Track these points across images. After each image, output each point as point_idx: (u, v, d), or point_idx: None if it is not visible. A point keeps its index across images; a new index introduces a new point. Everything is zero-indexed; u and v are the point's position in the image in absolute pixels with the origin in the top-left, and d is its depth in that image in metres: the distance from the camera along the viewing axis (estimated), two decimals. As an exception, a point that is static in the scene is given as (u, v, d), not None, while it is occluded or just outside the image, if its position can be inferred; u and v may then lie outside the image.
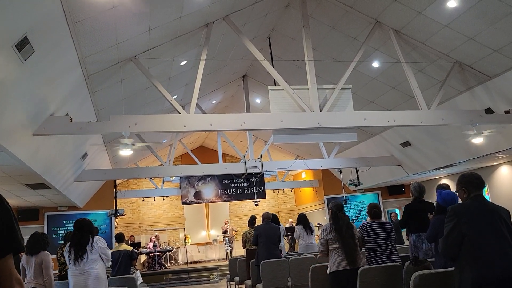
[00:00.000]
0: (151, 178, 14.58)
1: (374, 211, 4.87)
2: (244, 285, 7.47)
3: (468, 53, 7.14)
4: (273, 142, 9.39)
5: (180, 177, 14.50)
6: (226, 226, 15.99)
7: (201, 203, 15.87)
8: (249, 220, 8.06)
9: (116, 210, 13.34)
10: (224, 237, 15.58)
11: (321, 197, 15.75)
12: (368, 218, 5.12)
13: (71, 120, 6.12)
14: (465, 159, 9.72)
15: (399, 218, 11.65)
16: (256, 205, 15.23)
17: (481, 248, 2.77)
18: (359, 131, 9.28)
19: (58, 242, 11.84)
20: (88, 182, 11.22)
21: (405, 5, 6.79)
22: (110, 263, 5.10)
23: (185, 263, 14.66)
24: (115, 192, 13.73)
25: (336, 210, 4.65)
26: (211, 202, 15.80)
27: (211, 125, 6.64)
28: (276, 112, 6.78)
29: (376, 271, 4.27)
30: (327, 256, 4.58)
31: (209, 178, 15.06)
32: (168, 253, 15.05)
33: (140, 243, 14.44)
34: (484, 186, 3.09)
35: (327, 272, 4.53)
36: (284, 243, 10.54)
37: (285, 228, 14.18)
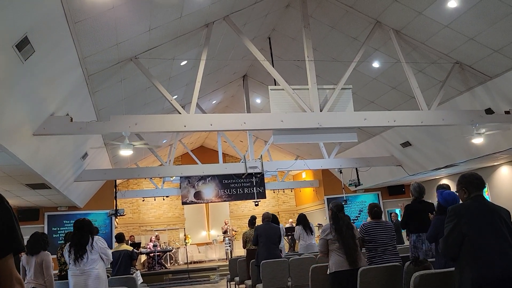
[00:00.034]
0: (151, 178, 14.58)
1: (375, 210, 4.87)
2: (244, 285, 7.47)
3: (469, 53, 7.14)
4: (273, 142, 9.38)
5: (180, 177, 14.50)
6: (226, 226, 15.99)
7: (201, 203, 15.87)
8: (249, 220, 8.06)
9: (116, 210, 13.34)
10: (224, 237, 15.58)
11: (321, 197, 15.74)
12: (369, 218, 5.12)
13: (71, 120, 6.12)
14: (465, 159, 9.72)
15: (399, 218, 11.65)
16: (256, 205, 15.24)
17: (481, 248, 2.78)
18: (359, 131, 9.29)
19: (58, 242, 11.84)
20: (88, 182, 11.22)
21: (405, 5, 6.79)
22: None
23: (185, 263, 14.67)
24: (115, 192, 13.73)
25: (336, 211, 4.65)
26: (211, 202, 15.80)
27: (211, 125, 6.64)
28: (276, 112, 6.78)
29: (376, 271, 4.27)
30: (327, 257, 4.58)
31: (209, 178, 15.05)
32: (168, 253, 15.06)
33: (140, 243, 14.44)
34: (485, 187, 3.09)
35: (327, 273, 4.53)
36: (284, 243, 10.54)
37: (285, 228, 14.23)
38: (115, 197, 13.66)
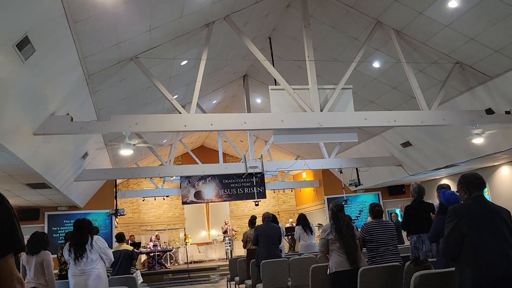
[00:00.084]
0: (151, 178, 14.58)
1: (376, 210, 4.87)
2: (244, 285, 7.47)
3: (469, 54, 7.14)
4: (273, 142, 9.39)
5: (181, 177, 14.50)
6: (226, 226, 16.00)
7: (201, 203, 15.86)
8: (249, 220, 8.06)
9: (117, 209, 13.34)
10: (224, 237, 15.58)
11: (322, 197, 15.74)
12: (369, 218, 5.12)
13: (72, 120, 6.12)
14: (466, 159, 9.72)
15: (399, 218, 11.65)
16: (257, 205, 15.24)
17: (482, 248, 2.78)
18: (359, 131, 9.28)
19: (59, 241, 11.85)
20: (89, 182, 11.22)
21: (406, 5, 6.79)
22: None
23: (185, 263, 14.67)
24: (116, 192, 13.73)
25: (337, 211, 4.65)
26: (211, 202, 15.80)
27: (211, 125, 6.64)
28: (277, 112, 6.78)
29: (377, 271, 4.27)
30: (327, 258, 4.57)
31: (210, 178, 15.05)
32: (168, 253, 15.06)
33: (140, 242, 14.45)
34: (485, 187, 3.09)
35: (328, 273, 4.53)
36: (284, 243, 10.54)
37: (285, 228, 14.23)
38: (115, 197, 13.66)
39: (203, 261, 16.04)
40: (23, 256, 5.30)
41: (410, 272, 3.76)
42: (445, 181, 12.63)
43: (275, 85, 7.86)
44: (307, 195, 17.52)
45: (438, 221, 4.20)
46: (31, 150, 6.30)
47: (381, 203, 14.91)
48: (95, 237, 4.75)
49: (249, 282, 7.00)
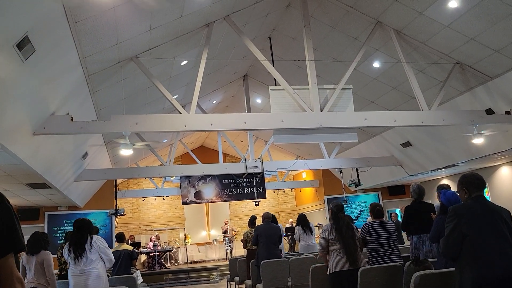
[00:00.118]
0: (151, 178, 14.58)
1: (377, 209, 4.87)
2: (244, 285, 7.47)
3: (469, 54, 7.14)
4: (273, 142, 9.38)
5: (181, 177, 14.50)
6: (226, 226, 15.99)
7: (201, 203, 15.86)
8: (249, 220, 8.06)
9: (116, 209, 13.34)
10: (224, 237, 15.58)
11: (322, 197, 15.74)
12: (369, 218, 5.11)
13: (72, 120, 6.12)
14: (466, 159, 9.72)
15: (399, 219, 11.65)
16: (257, 205, 15.24)
17: (482, 248, 2.78)
18: (359, 131, 9.28)
19: (58, 241, 11.85)
20: (89, 182, 11.22)
21: (406, 5, 6.79)
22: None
23: (185, 263, 14.67)
24: (115, 192, 13.73)
25: (336, 211, 4.65)
26: (211, 202, 15.80)
27: (211, 125, 6.64)
28: (277, 112, 6.78)
29: (377, 271, 4.26)
30: (326, 259, 4.56)
31: (210, 178, 15.05)
32: (168, 253, 15.06)
33: (140, 242, 14.44)
34: (485, 187, 3.09)
35: (328, 273, 4.53)
36: (283, 244, 10.54)
37: (285, 228, 14.24)
38: (115, 197, 13.66)
39: (203, 261, 16.04)
40: (23, 256, 5.30)
41: (410, 272, 3.76)
42: (445, 181, 12.63)
43: (275, 85, 7.86)
44: (307, 195, 17.52)
45: (439, 221, 4.20)
46: (31, 150, 6.30)
47: (381, 203, 14.91)
48: (95, 237, 4.75)
49: (249, 282, 7.00)
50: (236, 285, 8.14)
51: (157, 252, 13.97)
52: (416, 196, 5.37)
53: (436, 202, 5.37)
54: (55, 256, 5.91)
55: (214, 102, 12.90)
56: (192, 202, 15.28)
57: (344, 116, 6.91)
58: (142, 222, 17.17)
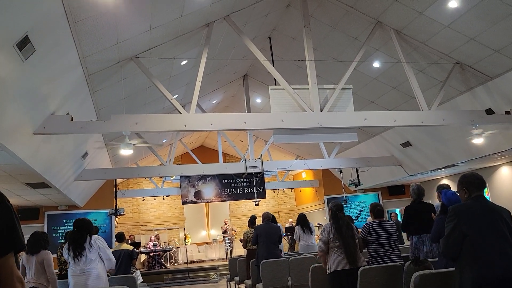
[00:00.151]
0: (151, 178, 14.58)
1: (377, 209, 4.87)
2: (244, 285, 7.47)
3: (469, 54, 7.14)
4: (273, 142, 9.39)
5: (180, 176, 14.50)
6: (226, 226, 15.99)
7: (201, 202, 15.87)
8: (249, 220, 8.06)
9: (116, 209, 13.33)
10: (224, 236, 15.58)
11: (321, 197, 15.75)
12: (369, 218, 5.11)
13: (72, 120, 6.12)
14: (466, 159, 9.72)
15: (399, 218, 11.65)
16: (256, 205, 15.24)
17: (482, 248, 2.78)
18: (359, 131, 9.28)
19: (58, 241, 11.85)
20: (88, 182, 11.22)
21: (406, 5, 6.79)
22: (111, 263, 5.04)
23: (185, 263, 14.67)
24: (115, 192, 13.73)
25: (336, 210, 4.65)
26: (211, 201, 15.80)
27: (211, 124, 6.64)
28: (277, 112, 6.78)
29: (377, 271, 4.26)
30: (326, 259, 4.56)
31: (209, 178, 15.06)
32: (168, 252, 15.06)
33: (140, 242, 14.44)
34: (485, 187, 3.09)
35: (327, 272, 4.53)
36: (283, 243, 10.54)
37: (285, 228, 14.24)
38: (115, 197, 13.66)
39: (202, 261, 16.04)
40: (23, 255, 5.29)
41: (410, 272, 3.76)
42: (445, 181, 12.63)
43: (275, 85, 7.86)
44: (307, 195, 17.52)
45: (440, 221, 4.20)
46: (31, 149, 6.30)
47: (381, 203, 14.91)
48: (95, 236, 4.74)
49: (249, 282, 7.00)
50: (236, 285, 8.14)
51: (157, 251, 13.97)
52: (415, 197, 5.37)
53: (436, 202, 5.37)
54: (55, 255, 5.91)
55: (214, 102, 12.90)
56: (192, 202, 15.29)
57: (344, 116, 6.91)
58: (142, 221, 17.17)
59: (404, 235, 10.52)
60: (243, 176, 14.70)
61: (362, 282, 4.17)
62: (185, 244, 15.32)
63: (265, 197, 15.70)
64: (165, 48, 7.12)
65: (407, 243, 7.48)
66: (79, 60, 5.76)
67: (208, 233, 17.83)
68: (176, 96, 9.40)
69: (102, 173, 10.66)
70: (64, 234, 10.95)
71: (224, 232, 15.71)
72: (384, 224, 4.75)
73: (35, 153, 6.60)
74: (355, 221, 13.89)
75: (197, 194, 15.06)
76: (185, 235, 15.85)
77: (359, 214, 15.20)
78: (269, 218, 6.88)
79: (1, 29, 3.90)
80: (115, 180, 13.65)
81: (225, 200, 15.79)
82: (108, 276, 5.16)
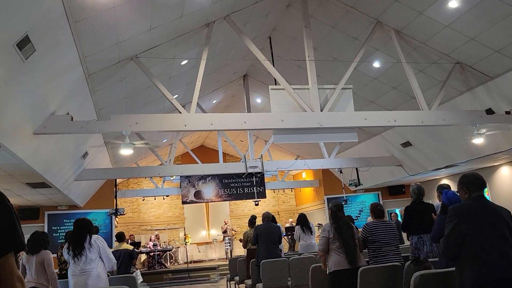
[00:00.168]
0: (151, 178, 14.58)
1: (378, 209, 4.88)
2: (244, 285, 7.47)
3: (469, 54, 7.14)
4: (273, 142, 9.38)
5: (181, 176, 14.50)
6: (226, 225, 16.00)
7: (201, 202, 15.87)
8: (249, 220, 8.06)
9: (116, 209, 13.33)
10: (224, 236, 15.58)
11: (321, 197, 15.75)
12: (369, 218, 5.11)
13: (72, 119, 6.12)
14: (466, 159, 9.72)
15: (399, 218, 11.65)
16: (257, 204, 15.24)
17: (482, 248, 2.78)
18: (359, 131, 9.28)
19: (58, 241, 11.85)
20: (89, 181, 11.22)
21: (406, 5, 6.79)
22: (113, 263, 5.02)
23: (185, 263, 14.67)
24: (116, 191, 13.73)
25: (336, 210, 4.65)
26: (211, 201, 15.81)
27: (211, 124, 6.64)
28: (277, 112, 6.78)
29: (377, 271, 4.27)
30: (325, 259, 4.56)
31: (210, 178, 15.06)
32: (168, 252, 15.06)
33: (140, 242, 14.44)
34: (485, 187, 3.09)
35: (327, 272, 4.53)
36: (283, 243, 10.54)
37: (285, 228, 14.24)
38: (115, 196, 13.66)
39: (203, 260, 16.05)
40: (23, 255, 5.29)
41: (410, 272, 3.76)
42: (445, 181, 12.63)
43: (275, 85, 7.86)
44: (307, 195, 17.52)
45: (440, 221, 4.20)
46: (31, 149, 6.31)
47: (381, 203, 14.91)
48: (95, 236, 4.75)
49: (249, 281, 7.01)
50: (236, 285, 8.14)
51: (157, 251, 13.97)
52: (415, 197, 5.37)
53: (436, 202, 5.37)
54: (55, 255, 5.91)
55: (214, 101, 12.90)
56: (192, 202, 15.29)
57: (344, 116, 6.91)
58: (142, 221, 17.17)
59: (404, 235, 10.52)
60: (243, 176, 14.70)
61: (362, 282, 4.17)
62: (185, 244, 15.33)
63: (265, 197, 15.70)
64: (165, 48, 7.12)
65: (407, 243, 7.48)
66: (79, 60, 5.76)
67: (208, 233, 17.84)
68: (176, 96, 9.40)
69: (102, 173, 10.66)
70: (64, 234, 10.97)
71: (224, 232, 15.72)
72: (385, 224, 4.76)
73: (35, 153, 6.60)
74: (355, 221, 13.88)
75: (197, 194, 15.06)
76: (185, 235, 15.86)
77: (359, 214, 15.20)
78: (269, 218, 6.88)
79: (1, 29, 3.90)
80: (115, 180, 13.65)
81: (225, 200, 15.80)
82: (108, 276, 5.16)
